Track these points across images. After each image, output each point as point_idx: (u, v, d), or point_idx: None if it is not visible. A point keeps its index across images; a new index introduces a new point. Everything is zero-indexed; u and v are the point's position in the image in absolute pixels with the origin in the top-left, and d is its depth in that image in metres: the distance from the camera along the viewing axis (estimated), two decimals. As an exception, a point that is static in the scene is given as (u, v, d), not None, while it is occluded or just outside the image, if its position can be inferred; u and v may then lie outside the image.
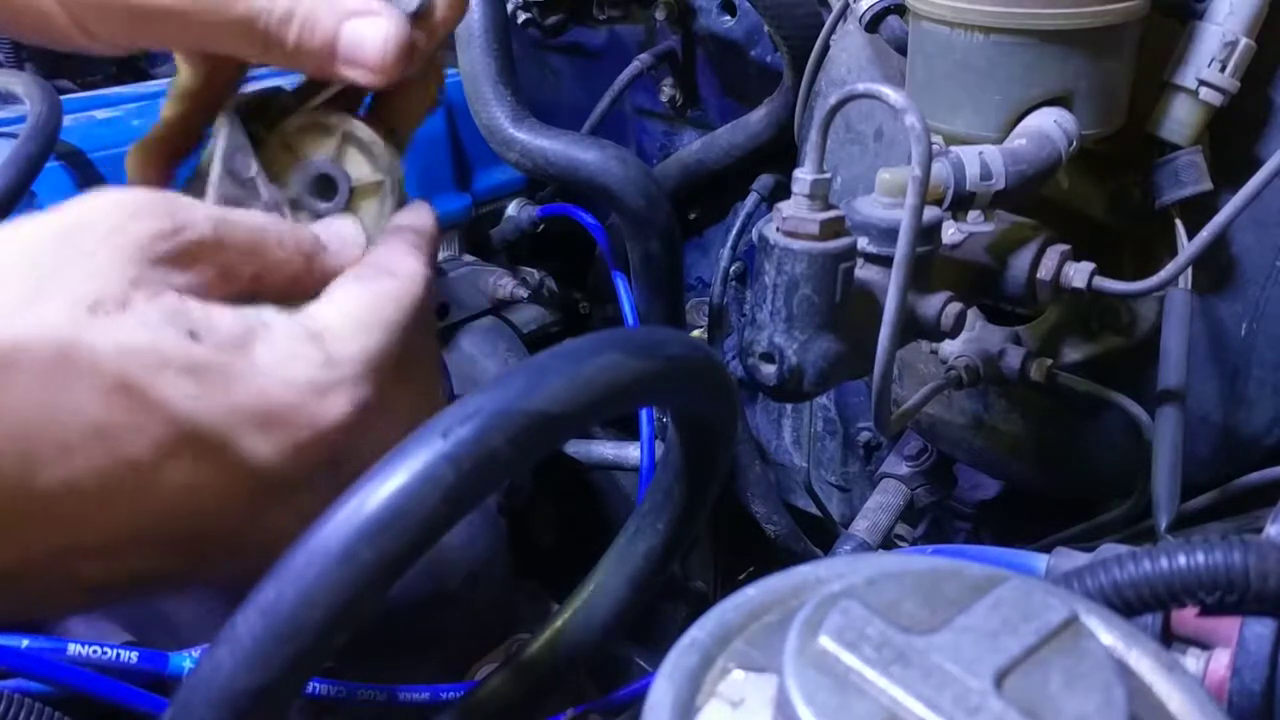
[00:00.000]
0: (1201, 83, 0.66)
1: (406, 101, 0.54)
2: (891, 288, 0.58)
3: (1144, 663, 0.31)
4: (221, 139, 0.48)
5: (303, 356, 0.41)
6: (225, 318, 0.40)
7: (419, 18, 0.48)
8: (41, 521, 0.36)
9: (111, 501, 0.37)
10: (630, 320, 0.97)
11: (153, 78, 1.20)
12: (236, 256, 0.42)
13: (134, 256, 0.39)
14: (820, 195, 0.59)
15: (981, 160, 0.62)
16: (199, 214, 0.41)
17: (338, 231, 0.47)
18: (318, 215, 0.49)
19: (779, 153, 1.01)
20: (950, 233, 0.67)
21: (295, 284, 0.45)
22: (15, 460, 0.35)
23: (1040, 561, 0.57)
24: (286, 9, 0.46)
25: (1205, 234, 0.65)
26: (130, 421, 0.37)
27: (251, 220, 0.44)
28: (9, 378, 0.35)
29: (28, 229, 0.39)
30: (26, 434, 0.35)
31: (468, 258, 1.09)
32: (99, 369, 0.37)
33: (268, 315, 0.42)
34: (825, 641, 0.28)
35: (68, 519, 0.37)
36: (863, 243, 0.61)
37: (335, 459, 0.41)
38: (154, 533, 0.39)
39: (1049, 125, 0.63)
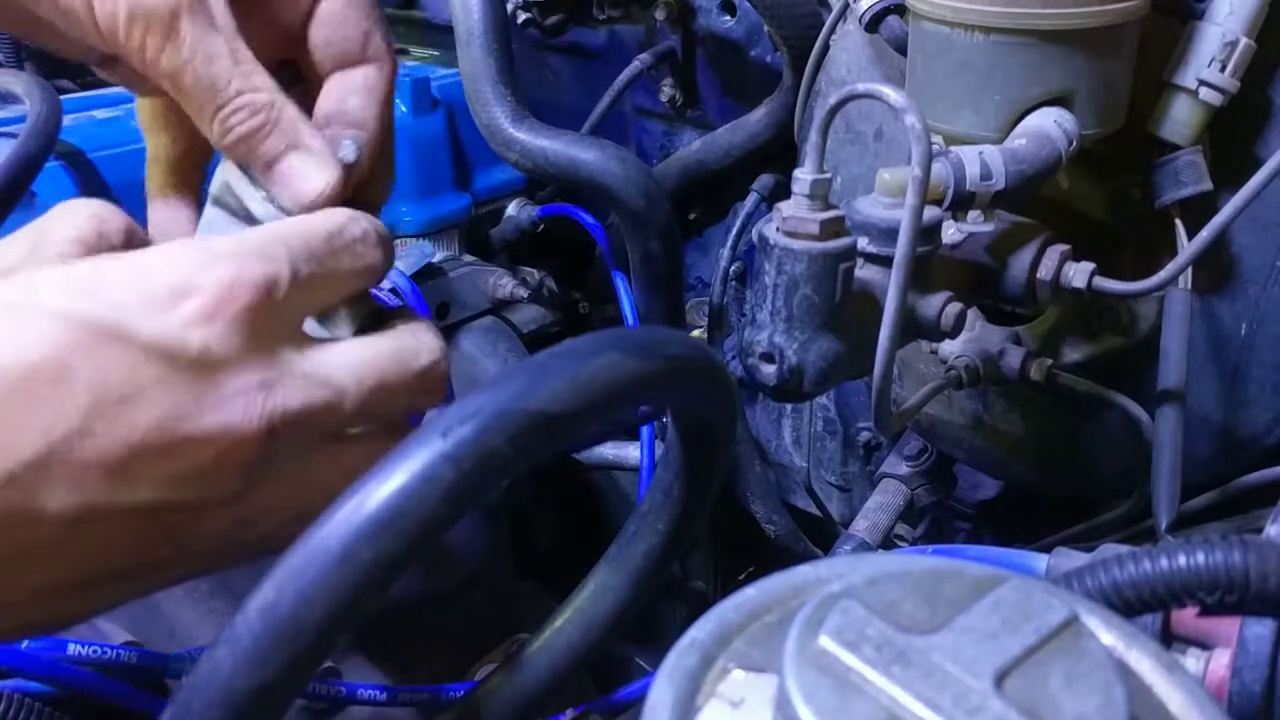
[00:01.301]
0: (1201, 83, 0.66)
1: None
2: (891, 288, 0.58)
3: (1144, 663, 0.31)
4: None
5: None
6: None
7: (349, 167, 0.50)
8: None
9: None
10: (630, 320, 0.97)
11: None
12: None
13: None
14: (820, 195, 0.59)
15: (981, 160, 0.62)
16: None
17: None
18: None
19: (779, 153, 1.01)
20: (950, 233, 0.67)
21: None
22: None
23: (1040, 561, 0.57)
24: (249, 101, 0.48)
25: (1205, 234, 0.65)
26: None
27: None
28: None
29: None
30: None
31: (468, 258, 1.09)
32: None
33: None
34: (825, 641, 0.28)
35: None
36: (863, 243, 0.61)
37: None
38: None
39: (1049, 125, 0.63)
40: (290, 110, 0.49)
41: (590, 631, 0.57)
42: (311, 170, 0.49)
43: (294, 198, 0.49)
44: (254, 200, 0.49)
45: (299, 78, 0.54)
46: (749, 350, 0.61)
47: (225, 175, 0.50)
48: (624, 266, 0.96)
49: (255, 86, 0.48)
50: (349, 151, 0.50)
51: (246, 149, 0.48)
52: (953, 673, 0.27)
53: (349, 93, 0.52)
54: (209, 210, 0.51)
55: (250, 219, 0.50)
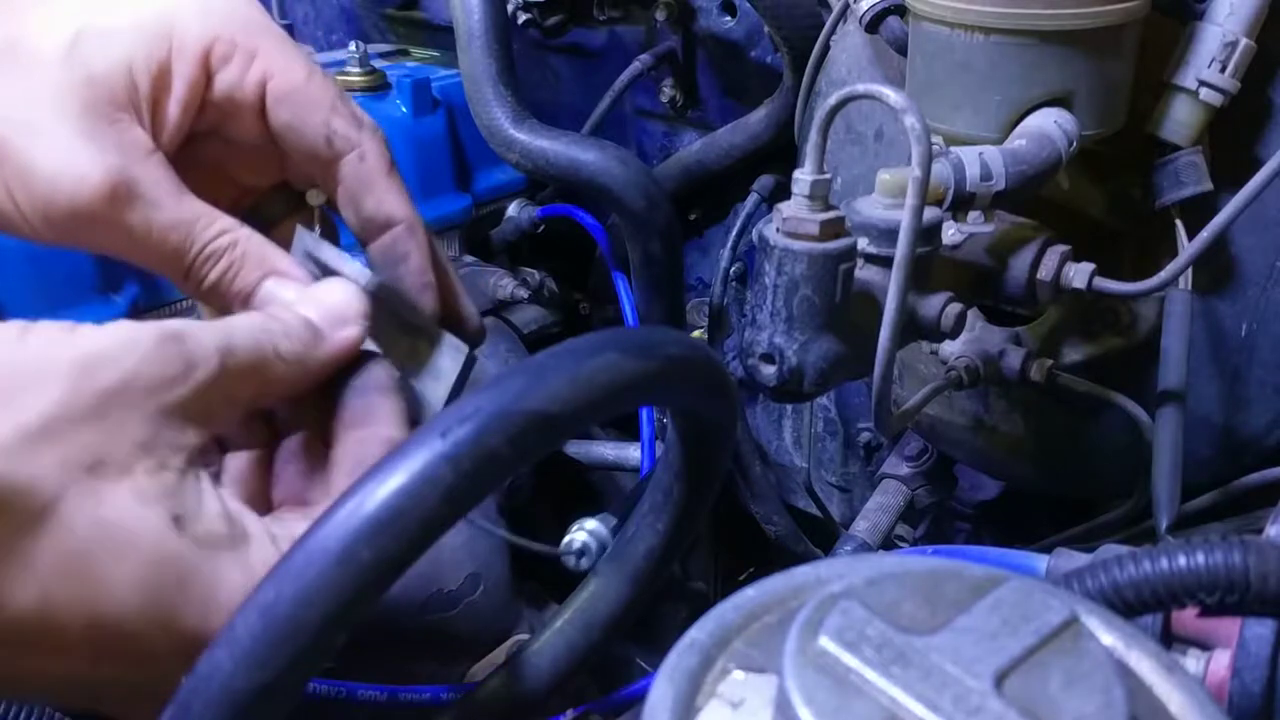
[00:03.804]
0: (1201, 83, 0.66)
1: None
2: (891, 288, 0.58)
3: (1144, 663, 0.31)
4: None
5: None
6: (214, 512, 0.40)
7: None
8: None
9: (33, 657, 0.36)
10: (630, 321, 0.97)
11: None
12: (238, 381, 0.42)
13: (148, 410, 0.38)
14: (820, 196, 0.59)
15: (982, 161, 0.62)
16: (207, 345, 0.40)
17: (330, 306, 0.47)
18: None
19: (779, 153, 1.01)
20: (950, 233, 0.67)
21: (294, 391, 0.46)
22: None
23: (1040, 562, 0.57)
24: (211, 250, 0.48)
25: (1205, 234, 0.65)
26: (71, 595, 0.36)
27: (252, 335, 0.43)
28: None
29: (43, 344, 0.37)
30: None
31: (468, 258, 1.09)
32: (67, 538, 0.36)
33: (252, 525, 0.41)
34: (825, 642, 0.28)
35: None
36: (863, 243, 0.61)
37: None
38: (58, 692, 0.39)
39: (1049, 126, 0.63)
40: (254, 240, 0.49)
41: (590, 632, 0.57)
42: (289, 293, 0.49)
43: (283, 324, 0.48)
44: (331, 256, 0.50)
45: (296, 206, 0.55)
46: (749, 351, 0.61)
47: (304, 245, 0.51)
48: (624, 267, 0.96)
49: (212, 234, 0.48)
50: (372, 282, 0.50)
51: (224, 291, 0.48)
52: (953, 673, 0.27)
53: (365, 190, 0.52)
54: None
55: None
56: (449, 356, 0.52)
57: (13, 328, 0.38)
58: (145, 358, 0.38)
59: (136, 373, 0.38)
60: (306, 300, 0.47)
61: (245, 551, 0.40)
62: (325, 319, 0.46)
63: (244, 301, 0.49)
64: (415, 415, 0.51)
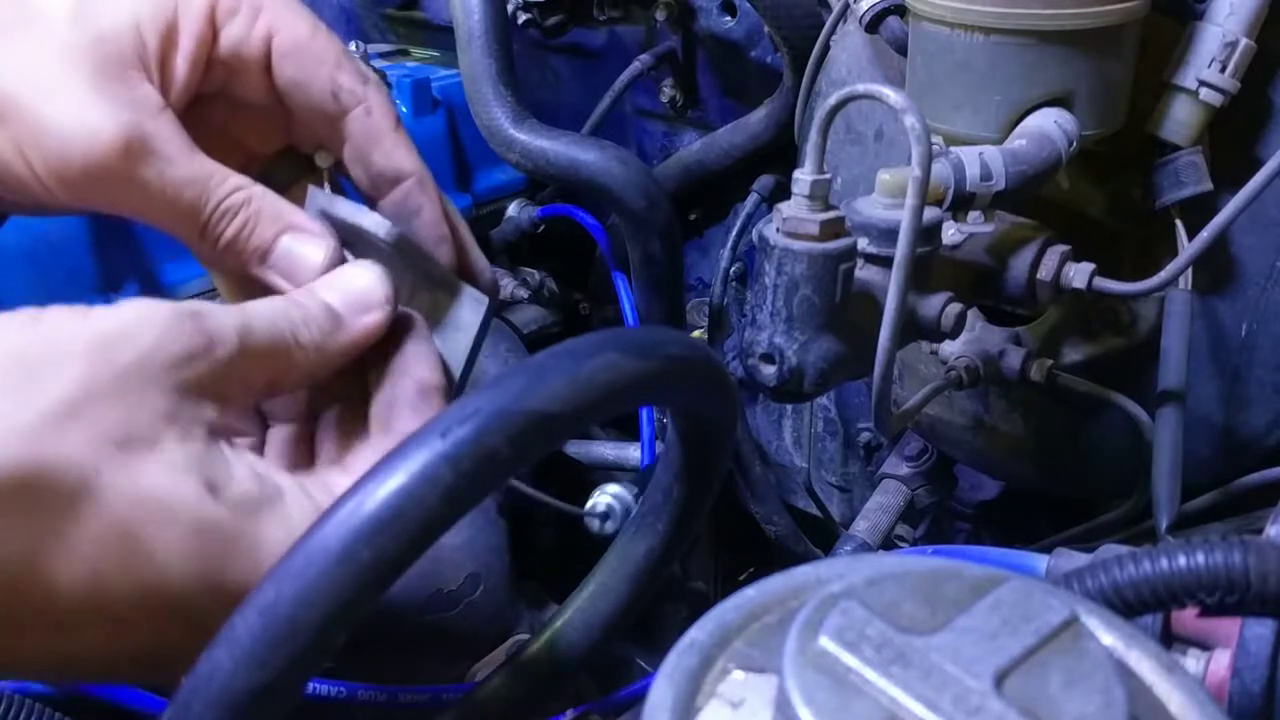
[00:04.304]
0: (1201, 83, 0.66)
1: None
2: (891, 288, 0.58)
3: (1144, 663, 0.31)
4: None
5: None
6: (244, 474, 0.40)
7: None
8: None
9: (81, 635, 0.37)
10: (630, 321, 0.97)
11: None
12: (254, 365, 0.42)
13: (167, 385, 0.38)
14: (820, 196, 0.59)
15: (982, 161, 0.62)
16: (225, 324, 0.40)
17: (354, 291, 0.47)
18: None
19: (779, 153, 1.01)
20: (950, 233, 0.67)
21: (314, 377, 0.45)
22: None
23: (1040, 562, 0.57)
24: (227, 207, 0.47)
25: (1205, 234, 0.65)
26: (120, 570, 0.36)
27: (272, 320, 0.43)
28: (18, 507, 0.34)
29: (57, 326, 0.37)
30: (7, 574, 0.34)
31: (468, 258, 1.09)
32: (109, 514, 0.36)
33: (283, 481, 0.41)
34: (825, 642, 0.28)
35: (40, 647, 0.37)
36: (863, 243, 0.61)
37: None
38: (115, 666, 0.39)
39: (1049, 126, 0.63)
40: (269, 197, 0.48)
41: (590, 632, 0.57)
42: (307, 248, 0.48)
43: (295, 279, 0.48)
44: (348, 209, 0.49)
45: (304, 169, 0.54)
46: (749, 351, 0.61)
47: (316, 203, 0.51)
48: (624, 267, 0.96)
49: (226, 190, 0.47)
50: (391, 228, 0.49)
51: (240, 249, 0.48)
52: (953, 673, 0.27)
53: (371, 147, 0.52)
54: None
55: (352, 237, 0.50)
56: (469, 308, 0.51)
57: (25, 314, 0.38)
58: (163, 334, 0.38)
59: (155, 348, 0.38)
60: (330, 285, 0.47)
61: (282, 508, 0.40)
62: (348, 305, 0.46)
63: (261, 258, 0.48)
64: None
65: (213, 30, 0.49)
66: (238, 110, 0.52)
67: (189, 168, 0.47)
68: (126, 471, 0.36)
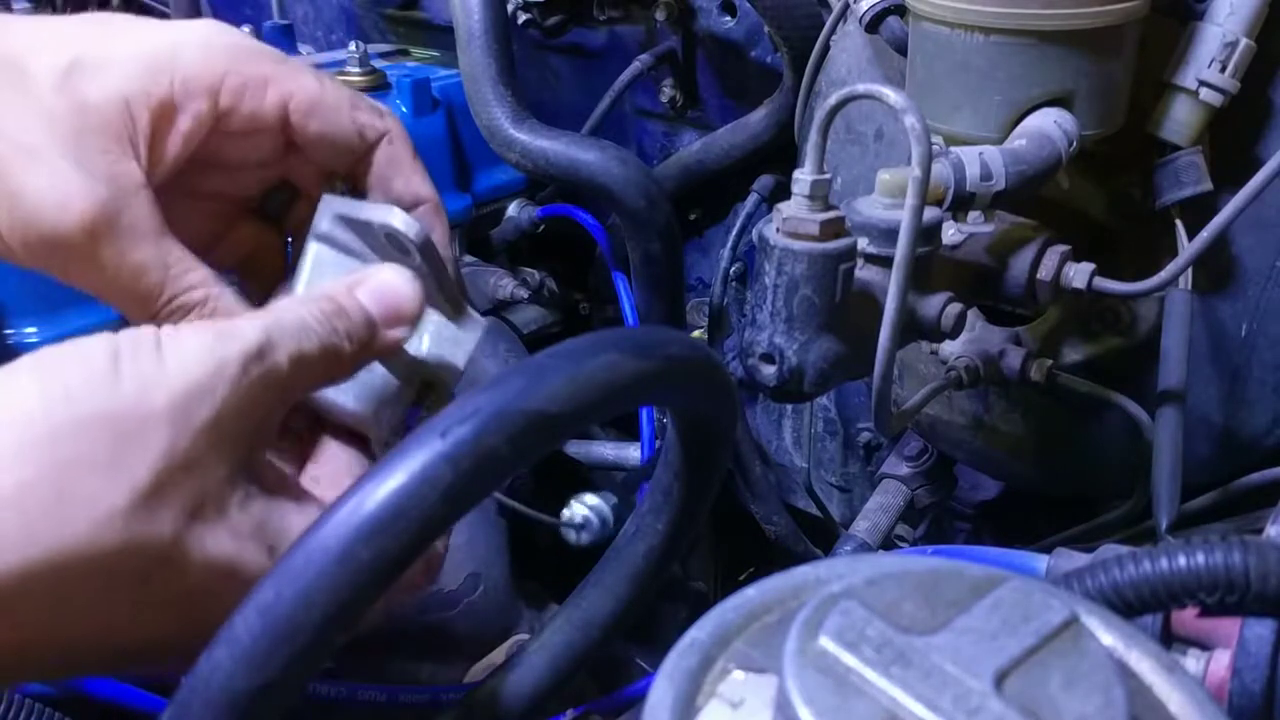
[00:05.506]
0: (1201, 83, 0.66)
1: None
2: (891, 288, 0.58)
3: (1144, 663, 0.31)
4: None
5: None
6: (296, 529, 0.40)
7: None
8: None
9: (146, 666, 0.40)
10: (630, 321, 0.97)
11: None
12: (302, 384, 0.43)
13: (234, 451, 0.39)
14: (820, 196, 0.59)
15: (982, 161, 0.62)
16: (281, 362, 0.41)
17: (390, 298, 0.47)
18: None
19: (779, 153, 1.01)
20: (950, 233, 0.67)
21: (335, 382, 0.46)
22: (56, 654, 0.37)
23: (1040, 562, 0.57)
24: (181, 303, 0.48)
25: (1205, 234, 0.65)
26: (190, 633, 0.37)
27: (321, 341, 0.43)
28: (106, 583, 0.36)
29: (139, 384, 0.37)
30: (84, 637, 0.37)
31: (468, 258, 1.09)
32: (183, 581, 0.38)
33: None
34: (825, 642, 0.28)
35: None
36: (863, 243, 0.61)
37: None
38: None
39: (1049, 126, 0.63)
40: (226, 299, 0.48)
41: (590, 632, 0.57)
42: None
43: None
44: (368, 209, 0.50)
45: (295, 196, 0.55)
46: (749, 351, 0.61)
47: (332, 209, 0.51)
48: (624, 267, 0.96)
49: (184, 285, 0.47)
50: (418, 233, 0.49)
51: None
52: (953, 673, 0.27)
53: (391, 175, 0.53)
54: (316, 248, 0.51)
55: (363, 254, 0.50)
56: (470, 324, 0.52)
57: (102, 355, 0.38)
58: (234, 389, 0.39)
59: (226, 405, 0.39)
60: (371, 292, 0.46)
61: None
62: (384, 315, 0.46)
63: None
64: (438, 377, 0.51)
65: (215, 108, 0.49)
66: (228, 171, 0.53)
67: (151, 253, 0.46)
68: (200, 541, 0.38)
